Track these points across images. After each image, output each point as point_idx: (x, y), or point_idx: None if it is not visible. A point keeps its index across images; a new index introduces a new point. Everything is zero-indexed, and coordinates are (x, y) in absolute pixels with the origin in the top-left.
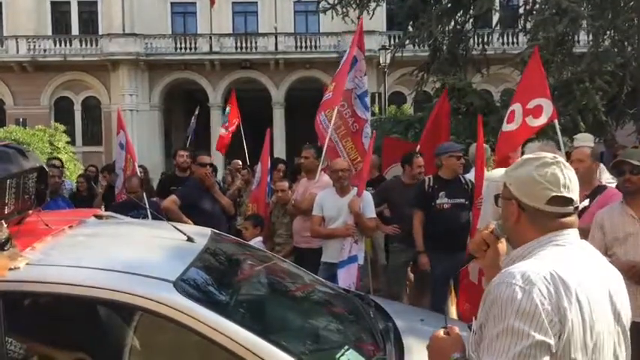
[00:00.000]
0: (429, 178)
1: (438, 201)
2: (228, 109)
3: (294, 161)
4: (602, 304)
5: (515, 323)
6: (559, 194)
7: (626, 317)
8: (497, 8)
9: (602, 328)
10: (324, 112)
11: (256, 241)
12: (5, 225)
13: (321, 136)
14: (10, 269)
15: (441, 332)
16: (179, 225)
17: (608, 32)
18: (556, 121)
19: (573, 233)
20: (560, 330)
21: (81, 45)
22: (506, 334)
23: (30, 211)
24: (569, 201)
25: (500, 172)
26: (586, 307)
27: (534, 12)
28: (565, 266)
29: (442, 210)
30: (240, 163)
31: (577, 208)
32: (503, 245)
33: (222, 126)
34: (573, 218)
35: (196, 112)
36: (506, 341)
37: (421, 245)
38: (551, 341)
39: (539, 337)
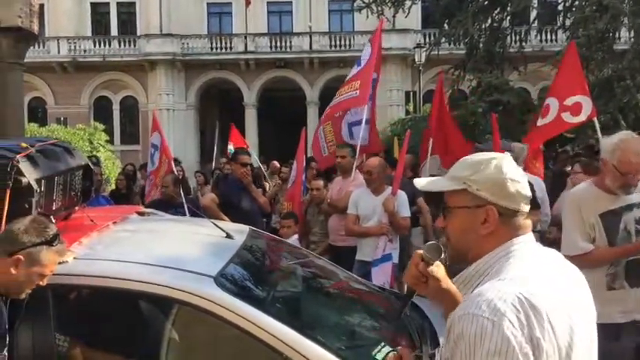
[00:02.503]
0: None
1: None
2: (231, 147)
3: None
4: (574, 321)
5: None
6: (527, 192)
7: (593, 317)
8: (535, 5)
9: (579, 348)
10: (349, 110)
11: (293, 239)
12: (54, 221)
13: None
14: (59, 263)
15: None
16: (218, 222)
17: None
18: (595, 120)
19: (531, 237)
20: None
21: (119, 45)
22: None
23: (76, 208)
24: (528, 199)
25: (422, 181)
26: (560, 333)
27: (574, 8)
28: (532, 284)
29: None
30: (278, 164)
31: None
32: (440, 268)
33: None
34: (530, 219)
35: (217, 131)
36: None
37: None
38: None
39: None
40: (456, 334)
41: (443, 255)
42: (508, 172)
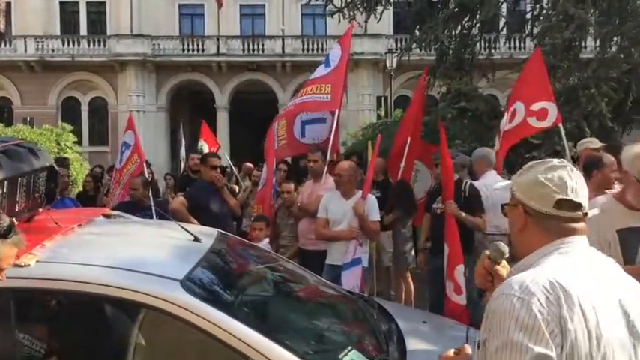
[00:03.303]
0: (436, 183)
1: (434, 205)
2: (201, 143)
3: (299, 163)
4: (611, 315)
5: (515, 336)
6: (566, 197)
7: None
8: (504, 13)
9: (611, 340)
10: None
11: (264, 243)
12: (11, 218)
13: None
14: (21, 266)
15: (451, 352)
16: (186, 225)
17: (614, 39)
18: (561, 126)
19: (580, 240)
20: (562, 341)
21: (89, 45)
22: (505, 348)
23: (40, 210)
24: (577, 206)
25: (501, 184)
26: (591, 317)
27: (541, 17)
28: (568, 274)
29: (436, 214)
30: (252, 165)
31: (586, 214)
32: (505, 268)
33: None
34: (581, 225)
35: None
36: (506, 355)
37: (422, 244)
38: (552, 353)
39: (539, 349)
40: (491, 312)
41: (506, 255)
42: (544, 175)
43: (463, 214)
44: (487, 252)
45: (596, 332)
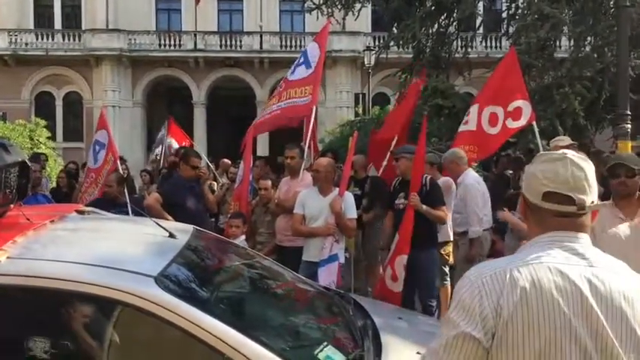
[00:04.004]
0: (397, 179)
1: (396, 201)
2: (169, 139)
3: (277, 160)
4: (570, 315)
5: (453, 313)
6: (554, 190)
7: (619, 337)
8: (481, 12)
9: (562, 339)
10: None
11: (240, 239)
12: None
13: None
14: None
15: None
16: (161, 221)
17: (588, 38)
18: (535, 124)
19: (574, 235)
20: (495, 327)
21: (63, 39)
22: (446, 322)
23: (11, 206)
24: (567, 199)
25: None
26: (539, 313)
27: (517, 17)
28: (530, 267)
29: (399, 210)
30: (229, 162)
31: (583, 207)
32: None
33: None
34: (579, 220)
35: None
36: (443, 326)
37: (383, 242)
38: (479, 335)
39: (466, 328)
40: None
41: None
42: (539, 167)
43: (424, 207)
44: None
45: (542, 329)
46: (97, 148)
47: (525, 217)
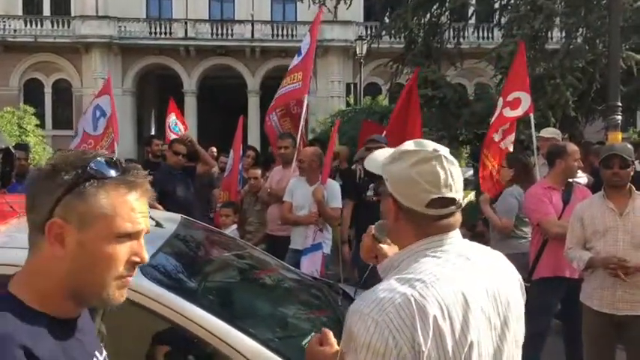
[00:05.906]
0: (360, 170)
1: (368, 193)
2: (173, 118)
3: (268, 150)
4: (482, 326)
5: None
6: (439, 196)
7: (518, 324)
8: (473, 2)
9: (482, 351)
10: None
11: (232, 229)
12: None
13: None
14: None
15: (316, 342)
16: (149, 210)
17: (580, 29)
18: (531, 116)
19: (453, 236)
20: None
21: (52, 26)
22: None
23: None
24: (450, 201)
25: (380, 155)
26: (449, 338)
27: (509, 7)
28: (432, 288)
29: (370, 202)
30: (216, 150)
31: (460, 206)
32: (391, 248)
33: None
34: (454, 218)
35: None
36: None
37: (345, 235)
38: None
39: None
40: (347, 327)
41: None
42: (415, 169)
43: None
44: (373, 229)
45: (458, 353)
46: (98, 113)
47: (395, 221)
